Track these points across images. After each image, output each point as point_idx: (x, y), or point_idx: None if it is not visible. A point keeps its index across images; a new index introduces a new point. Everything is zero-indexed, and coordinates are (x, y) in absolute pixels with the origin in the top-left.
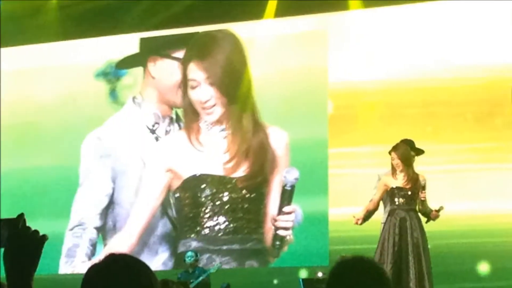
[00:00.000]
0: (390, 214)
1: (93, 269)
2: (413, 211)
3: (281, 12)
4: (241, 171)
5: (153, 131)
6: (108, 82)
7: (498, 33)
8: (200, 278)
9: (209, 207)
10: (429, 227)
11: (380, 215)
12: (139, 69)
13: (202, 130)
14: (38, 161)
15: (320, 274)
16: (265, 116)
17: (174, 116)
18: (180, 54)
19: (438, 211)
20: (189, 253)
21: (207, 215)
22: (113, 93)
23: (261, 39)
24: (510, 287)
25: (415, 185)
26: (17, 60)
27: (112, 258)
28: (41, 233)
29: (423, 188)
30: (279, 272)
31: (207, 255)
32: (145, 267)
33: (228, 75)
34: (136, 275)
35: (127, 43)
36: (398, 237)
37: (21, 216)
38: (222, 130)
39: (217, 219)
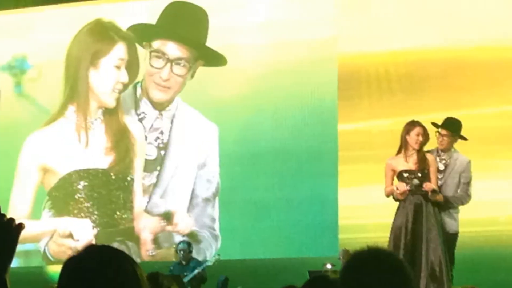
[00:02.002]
0: (404, 199)
1: (72, 260)
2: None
3: None
4: None
5: None
6: (13, 75)
7: None
8: (196, 271)
9: None
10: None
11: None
12: (45, 62)
13: None
14: None
15: (329, 266)
16: (274, 92)
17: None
18: None
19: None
20: (182, 244)
21: None
22: (18, 87)
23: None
24: None
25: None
26: None
27: (93, 249)
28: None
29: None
30: (284, 264)
31: None
32: (130, 258)
33: None
34: (121, 265)
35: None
36: (411, 225)
37: None
38: None
39: None
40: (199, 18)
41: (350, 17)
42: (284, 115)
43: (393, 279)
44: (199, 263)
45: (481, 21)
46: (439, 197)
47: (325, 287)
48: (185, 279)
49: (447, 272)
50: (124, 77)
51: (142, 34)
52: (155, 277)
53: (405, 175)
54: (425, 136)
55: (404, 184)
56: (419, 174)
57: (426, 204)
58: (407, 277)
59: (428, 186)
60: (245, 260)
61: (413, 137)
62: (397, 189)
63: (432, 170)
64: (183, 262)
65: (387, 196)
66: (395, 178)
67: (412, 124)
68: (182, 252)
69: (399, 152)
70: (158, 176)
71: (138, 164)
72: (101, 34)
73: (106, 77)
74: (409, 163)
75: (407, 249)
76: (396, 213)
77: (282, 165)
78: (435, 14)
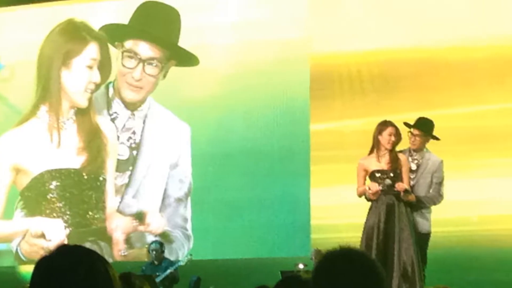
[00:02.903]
0: (376, 199)
1: (44, 260)
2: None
3: None
4: None
5: None
6: None
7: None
8: (168, 271)
9: None
10: None
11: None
12: (17, 62)
13: None
14: None
15: (301, 266)
16: (246, 92)
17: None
18: None
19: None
20: (154, 245)
21: None
22: None
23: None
24: None
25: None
26: None
27: (65, 249)
28: None
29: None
30: (256, 264)
31: None
32: (102, 258)
33: None
34: (93, 265)
35: None
36: (383, 225)
37: None
38: None
39: None
40: (171, 18)
41: (322, 17)
42: (256, 115)
43: (365, 279)
44: (171, 263)
45: (453, 21)
46: (412, 197)
47: (297, 287)
48: (157, 279)
49: (419, 272)
50: (96, 77)
51: (114, 34)
52: (127, 277)
53: (378, 175)
54: (397, 136)
55: (377, 184)
56: (391, 174)
57: (399, 204)
58: (379, 277)
59: (400, 186)
60: (217, 260)
61: (385, 137)
62: (370, 189)
63: (404, 170)
64: (155, 262)
65: (360, 196)
66: (367, 178)
67: (384, 124)
68: (154, 252)
69: (371, 152)
70: (130, 176)
71: (110, 164)
72: (73, 34)
73: (78, 77)
74: (382, 163)
75: (379, 249)
76: (369, 213)
77: (254, 165)
78: (408, 14)
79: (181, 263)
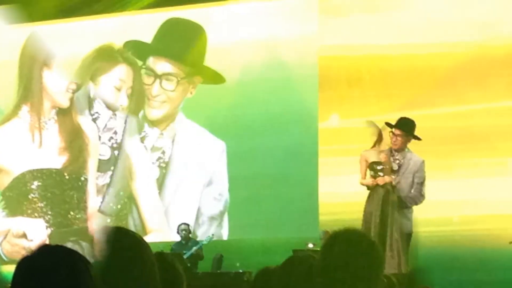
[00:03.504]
0: (372, 189)
1: (26, 260)
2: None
3: None
4: None
5: None
6: None
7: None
8: (193, 249)
9: None
10: None
11: None
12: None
13: None
14: None
15: (310, 245)
16: (248, 87)
17: None
18: None
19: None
20: (183, 225)
21: None
22: None
23: None
24: None
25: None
26: None
27: (47, 249)
28: None
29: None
30: (272, 243)
31: None
32: (83, 258)
33: None
34: (74, 265)
35: None
36: (379, 213)
37: None
38: None
39: None
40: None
41: (311, 20)
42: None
43: (367, 259)
44: (197, 243)
45: (435, 23)
46: (393, 197)
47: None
48: (185, 256)
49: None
50: None
51: None
52: (161, 254)
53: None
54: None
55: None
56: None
57: (392, 191)
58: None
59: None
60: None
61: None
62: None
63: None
64: (183, 242)
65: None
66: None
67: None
68: (183, 232)
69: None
70: (111, 176)
71: (91, 164)
72: None
73: (59, 77)
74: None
75: (376, 231)
76: (367, 200)
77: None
78: (392, 15)
79: (205, 242)
